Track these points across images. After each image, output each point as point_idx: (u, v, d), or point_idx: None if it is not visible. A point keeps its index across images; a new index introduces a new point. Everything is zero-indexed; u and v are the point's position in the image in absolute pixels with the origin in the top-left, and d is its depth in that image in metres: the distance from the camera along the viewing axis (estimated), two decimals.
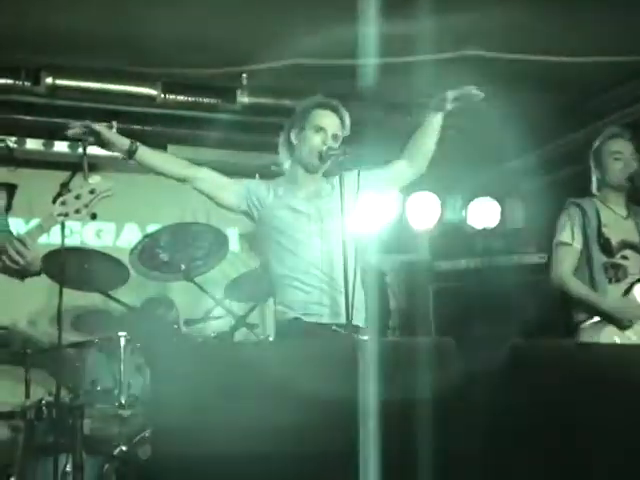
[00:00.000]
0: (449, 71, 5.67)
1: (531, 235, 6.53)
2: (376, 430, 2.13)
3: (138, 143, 3.80)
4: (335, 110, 3.90)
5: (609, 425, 2.20)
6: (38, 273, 3.72)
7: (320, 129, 3.84)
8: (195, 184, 3.92)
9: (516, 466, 2.16)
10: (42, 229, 3.57)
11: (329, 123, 3.87)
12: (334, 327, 3.70)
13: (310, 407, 2.15)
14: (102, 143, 3.76)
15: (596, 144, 4.68)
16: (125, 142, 3.76)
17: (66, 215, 3.57)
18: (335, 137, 3.85)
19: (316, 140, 3.83)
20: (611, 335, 4.36)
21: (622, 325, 4.37)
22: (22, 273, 3.61)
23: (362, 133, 6.07)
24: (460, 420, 2.13)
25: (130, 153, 3.77)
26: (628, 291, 4.44)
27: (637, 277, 4.48)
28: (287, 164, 3.99)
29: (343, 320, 3.67)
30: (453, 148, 6.64)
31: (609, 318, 4.39)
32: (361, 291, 3.69)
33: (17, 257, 3.47)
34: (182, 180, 3.95)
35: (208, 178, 3.93)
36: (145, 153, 3.83)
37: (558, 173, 6.76)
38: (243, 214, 3.96)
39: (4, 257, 3.47)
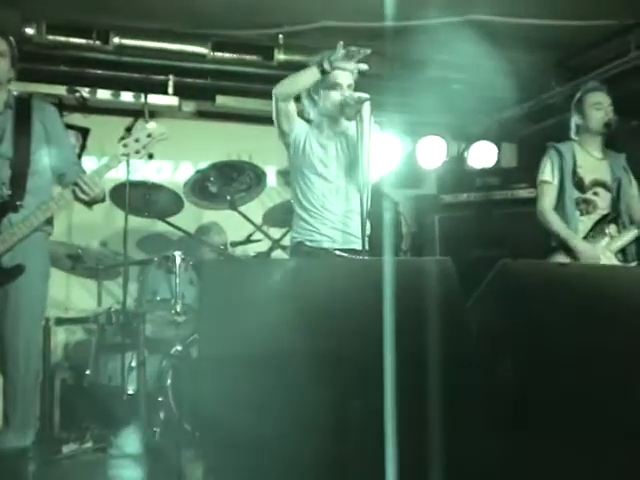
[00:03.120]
0: (457, 32, 5.63)
1: (522, 173, 6.47)
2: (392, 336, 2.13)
3: None
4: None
5: (578, 326, 2.22)
6: (103, 201, 3.78)
7: (336, 85, 3.79)
8: (289, 104, 3.82)
9: (501, 364, 2.19)
10: (108, 167, 3.62)
11: (343, 77, 3.81)
12: (339, 250, 3.72)
13: (332, 311, 2.16)
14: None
15: (578, 95, 4.64)
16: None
17: (127, 155, 3.62)
18: (350, 86, 3.80)
19: (334, 95, 3.78)
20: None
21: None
22: (90, 202, 3.66)
23: (382, 85, 6.04)
24: (456, 325, 2.15)
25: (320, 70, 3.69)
26: (596, 224, 4.44)
27: (605, 212, 4.48)
28: (313, 114, 3.96)
29: (349, 245, 3.72)
30: (458, 100, 6.59)
31: (574, 254, 4.39)
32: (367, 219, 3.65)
33: (88, 190, 3.52)
34: (289, 97, 3.81)
35: (293, 107, 3.83)
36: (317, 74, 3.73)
37: (546, 121, 6.69)
38: (285, 145, 3.93)
39: (77, 190, 3.51)
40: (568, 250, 4.39)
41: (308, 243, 3.73)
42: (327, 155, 3.78)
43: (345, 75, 3.80)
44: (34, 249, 3.56)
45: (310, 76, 3.71)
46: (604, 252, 4.39)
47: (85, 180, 3.51)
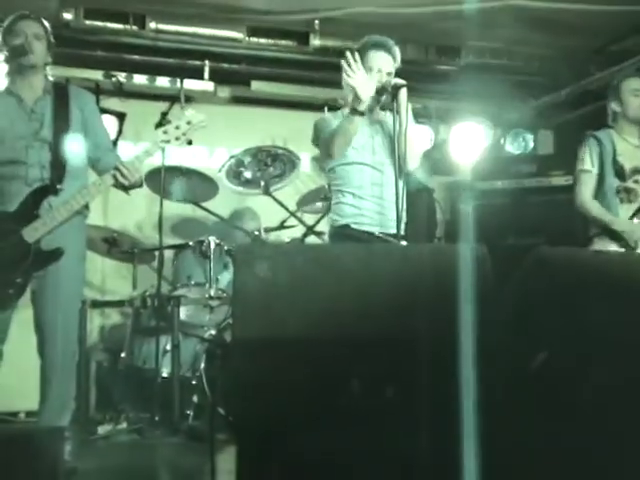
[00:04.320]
0: (496, 19, 5.58)
1: (559, 161, 6.41)
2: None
3: None
4: (387, 50, 3.73)
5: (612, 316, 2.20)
6: (140, 186, 3.82)
7: (376, 68, 3.69)
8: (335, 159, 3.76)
9: (536, 352, 2.18)
10: (148, 153, 3.67)
11: (383, 63, 3.71)
12: (380, 234, 3.71)
13: (379, 297, 2.16)
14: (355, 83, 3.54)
15: (615, 82, 4.57)
16: (364, 105, 3.55)
17: (168, 142, 3.66)
18: (389, 74, 3.72)
19: (373, 78, 3.67)
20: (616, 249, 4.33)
21: (628, 245, 4.32)
22: (129, 187, 3.70)
23: (416, 72, 6.02)
24: (490, 312, 2.14)
25: (357, 112, 3.55)
26: (637, 212, 4.39)
27: None
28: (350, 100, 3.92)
29: (387, 230, 3.70)
30: (494, 86, 6.54)
31: (619, 237, 4.33)
32: (404, 204, 3.63)
33: (129, 175, 3.56)
34: (337, 153, 3.68)
35: None
36: (359, 122, 3.61)
37: (584, 108, 6.61)
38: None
39: (118, 175, 3.55)
40: (612, 235, 4.35)
41: (354, 226, 3.72)
42: (365, 142, 3.76)
43: (385, 60, 3.72)
44: (72, 232, 3.60)
45: (354, 126, 3.65)
46: None
47: (126, 165, 3.55)
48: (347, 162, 3.75)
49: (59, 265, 3.53)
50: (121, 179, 3.56)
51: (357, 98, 3.51)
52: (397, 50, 3.78)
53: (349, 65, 3.50)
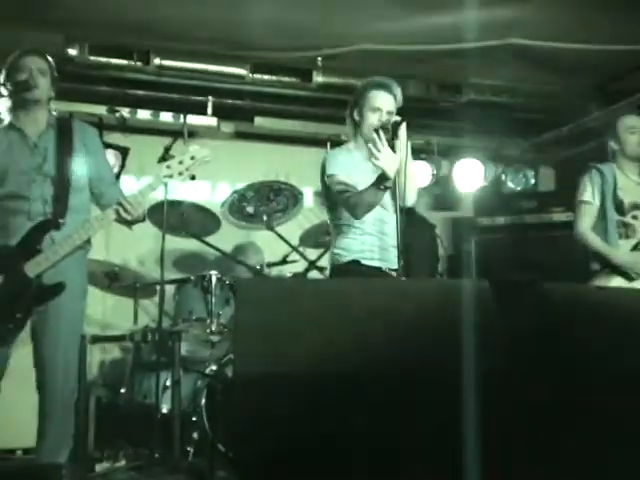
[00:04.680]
0: (497, 57, 5.62)
1: (560, 197, 6.43)
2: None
3: None
4: (389, 90, 3.78)
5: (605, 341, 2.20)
6: (143, 220, 3.81)
7: (377, 109, 3.74)
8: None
9: (536, 386, 2.16)
10: (151, 188, 3.66)
11: (384, 102, 3.75)
12: (386, 270, 3.71)
13: (381, 329, 2.15)
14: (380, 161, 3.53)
15: (615, 121, 4.63)
16: (390, 181, 3.56)
17: (171, 177, 3.65)
18: (389, 113, 3.74)
19: (373, 118, 3.72)
20: (619, 284, 4.32)
21: (630, 276, 4.34)
22: (131, 222, 3.70)
23: (418, 108, 6.05)
24: (492, 346, 2.13)
25: (383, 187, 3.57)
26: (636, 246, 4.41)
27: None
28: (353, 135, 3.95)
29: (390, 265, 3.70)
30: (496, 123, 6.58)
31: (619, 269, 4.36)
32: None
33: (132, 210, 3.55)
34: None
35: None
36: (382, 195, 3.65)
37: (585, 145, 6.64)
38: None
39: (120, 210, 3.55)
40: (613, 268, 4.35)
41: (363, 262, 3.72)
42: (368, 179, 3.77)
43: (386, 100, 3.77)
44: (74, 266, 3.59)
45: (379, 199, 3.65)
46: None
47: (129, 200, 3.55)
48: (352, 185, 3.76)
49: (60, 300, 3.51)
50: (124, 214, 3.56)
51: (384, 177, 3.52)
52: (399, 90, 3.82)
53: (375, 145, 3.51)
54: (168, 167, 3.64)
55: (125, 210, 3.54)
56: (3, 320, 3.45)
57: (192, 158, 3.65)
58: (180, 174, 3.64)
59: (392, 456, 2.13)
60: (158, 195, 4.71)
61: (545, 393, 2.16)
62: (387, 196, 3.73)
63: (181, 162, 3.64)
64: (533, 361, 2.21)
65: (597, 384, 2.26)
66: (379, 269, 3.71)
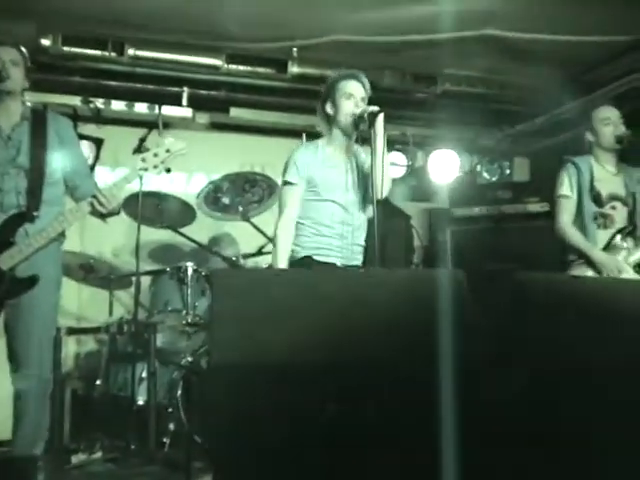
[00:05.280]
0: (471, 48, 5.63)
1: (534, 187, 6.48)
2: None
3: None
4: (357, 79, 3.85)
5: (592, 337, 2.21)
6: (117, 213, 3.80)
7: (350, 95, 3.80)
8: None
9: (514, 377, 2.18)
10: (126, 181, 3.66)
11: (355, 89, 3.82)
12: (342, 265, 3.73)
13: (350, 320, 2.15)
14: None
15: (589, 113, 4.67)
16: None
17: (146, 169, 3.64)
18: (363, 99, 3.82)
19: (348, 105, 3.79)
20: (594, 274, 4.38)
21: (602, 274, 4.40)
22: (106, 215, 3.68)
23: (393, 99, 6.05)
24: (468, 337, 2.14)
25: None
26: (613, 237, 4.46)
27: (621, 226, 4.48)
28: (326, 129, 3.97)
29: (349, 262, 3.74)
30: (471, 114, 6.60)
31: (595, 267, 4.41)
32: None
33: (106, 203, 3.54)
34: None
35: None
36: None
37: (559, 136, 6.68)
38: None
39: (95, 203, 3.53)
40: (589, 263, 4.40)
41: (316, 257, 3.73)
42: (339, 179, 3.79)
43: (357, 87, 3.84)
44: (48, 259, 3.57)
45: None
46: (622, 265, 4.39)
47: (104, 193, 3.54)
48: (318, 199, 3.78)
49: (33, 293, 3.49)
50: (98, 207, 3.55)
51: None
52: (367, 80, 3.89)
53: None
54: (143, 160, 3.63)
55: (100, 203, 3.53)
56: None
57: (167, 151, 3.64)
58: (155, 167, 3.64)
59: (363, 444, 2.14)
60: (133, 186, 4.68)
61: (520, 381, 2.18)
62: (351, 196, 3.76)
63: (156, 155, 3.64)
64: (508, 349, 2.22)
65: (571, 372, 2.28)
66: (333, 265, 3.72)
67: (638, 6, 4.88)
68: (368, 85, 3.89)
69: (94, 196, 3.54)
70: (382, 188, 3.66)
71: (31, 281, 3.48)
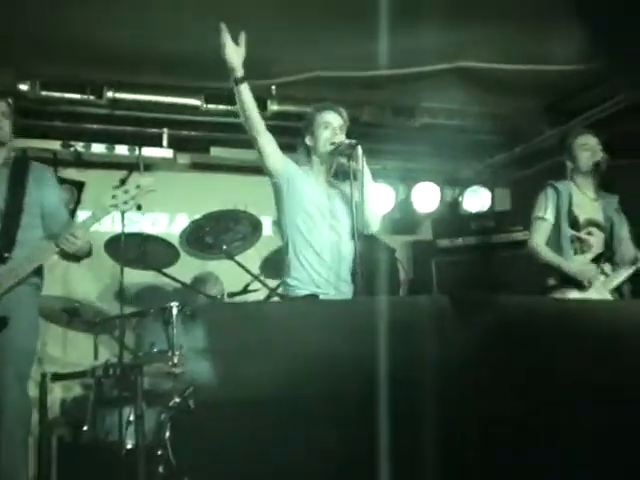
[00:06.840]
0: (447, 80, 5.70)
1: (516, 217, 6.53)
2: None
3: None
4: (335, 109, 3.93)
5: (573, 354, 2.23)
6: (89, 255, 3.79)
7: (328, 124, 3.88)
8: (261, 139, 3.79)
9: (497, 402, 2.17)
10: (95, 218, 3.64)
11: (332, 118, 3.90)
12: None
13: (326, 358, 2.15)
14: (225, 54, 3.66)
15: (568, 140, 4.75)
16: (240, 71, 3.67)
17: (116, 206, 3.62)
18: (341, 128, 3.89)
19: (326, 134, 3.86)
20: (575, 297, 4.41)
21: (583, 285, 4.45)
22: (76, 256, 3.68)
23: (373, 133, 6.10)
24: (452, 361, 2.14)
25: (237, 81, 3.67)
26: (596, 259, 4.52)
27: (598, 251, 4.54)
28: (306, 161, 4.00)
29: (340, 293, 3.75)
30: (451, 146, 6.65)
31: (572, 279, 4.48)
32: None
33: (72, 240, 3.53)
34: (254, 130, 3.79)
35: (271, 141, 3.83)
36: (246, 89, 3.72)
37: (538, 165, 6.75)
38: (274, 185, 3.93)
39: (61, 244, 3.53)
40: (569, 281, 4.45)
41: (305, 292, 3.74)
42: (324, 205, 3.82)
43: (334, 117, 3.91)
44: (22, 303, 3.56)
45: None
46: (601, 291, 4.42)
47: (70, 232, 3.53)
48: (307, 224, 3.79)
49: (5, 337, 3.46)
50: (63, 246, 3.53)
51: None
52: (343, 110, 3.96)
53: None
54: (113, 197, 3.62)
55: (67, 241, 3.51)
56: None
57: (137, 187, 3.64)
58: (125, 203, 3.62)
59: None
60: (115, 228, 4.68)
61: (504, 407, 2.18)
62: (345, 223, 3.78)
63: (126, 191, 3.63)
64: (492, 375, 2.22)
65: (556, 396, 2.28)
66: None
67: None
68: (345, 115, 3.95)
69: (59, 235, 3.54)
70: (371, 222, 3.71)
71: (1, 323, 3.45)
